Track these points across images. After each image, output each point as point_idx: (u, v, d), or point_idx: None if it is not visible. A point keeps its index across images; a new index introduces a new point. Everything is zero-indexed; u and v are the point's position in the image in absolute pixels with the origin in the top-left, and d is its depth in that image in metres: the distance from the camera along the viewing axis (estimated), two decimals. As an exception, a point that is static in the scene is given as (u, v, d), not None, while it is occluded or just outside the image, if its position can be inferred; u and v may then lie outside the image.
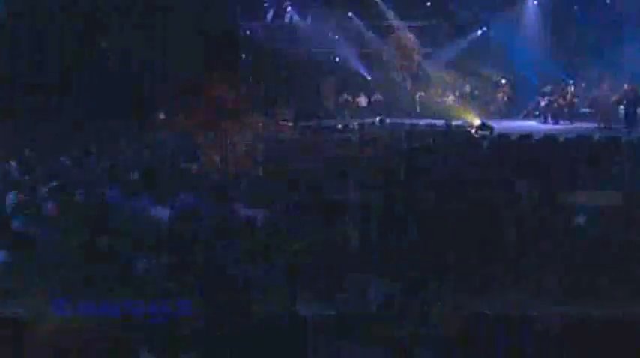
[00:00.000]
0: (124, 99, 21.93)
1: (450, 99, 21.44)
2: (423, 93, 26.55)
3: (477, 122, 17.25)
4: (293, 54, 25.15)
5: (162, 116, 24.88)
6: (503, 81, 25.23)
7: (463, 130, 16.35)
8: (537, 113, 22.93)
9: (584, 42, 22.18)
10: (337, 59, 27.88)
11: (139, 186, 7.80)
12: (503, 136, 13.99)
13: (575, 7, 22.80)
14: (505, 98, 23.70)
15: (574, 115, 19.48)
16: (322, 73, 26.53)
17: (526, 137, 12.74)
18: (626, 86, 18.08)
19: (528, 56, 23.75)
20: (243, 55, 25.77)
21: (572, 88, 19.24)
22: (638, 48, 20.05)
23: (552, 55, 22.90)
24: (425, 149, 11.04)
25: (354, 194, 6.68)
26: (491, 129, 15.39)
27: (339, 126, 20.93)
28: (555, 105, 19.50)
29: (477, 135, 15.31)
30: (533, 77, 23.91)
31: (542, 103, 20.14)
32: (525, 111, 23.10)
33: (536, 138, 12.88)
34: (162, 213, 6.31)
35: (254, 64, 25.87)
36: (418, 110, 26.14)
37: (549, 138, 12.85)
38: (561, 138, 12.68)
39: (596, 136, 13.51)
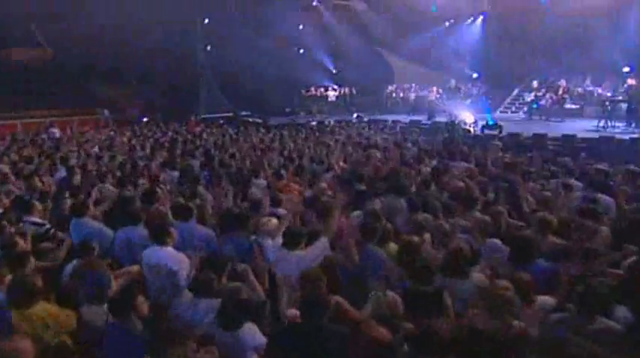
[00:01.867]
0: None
1: (434, 93, 19.98)
2: (392, 87, 25.16)
3: (469, 119, 15.86)
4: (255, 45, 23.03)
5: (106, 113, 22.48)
6: (475, 75, 24.28)
7: (461, 128, 14.82)
8: (514, 108, 22.05)
9: (558, 36, 21.42)
10: (301, 50, 26.04)
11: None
12: (516, 136, 12.60)
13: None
14: (480, 92, 22.58)
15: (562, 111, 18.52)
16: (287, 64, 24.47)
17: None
18: (630, 81, 17.23)
19: (498, 51, 22.85)
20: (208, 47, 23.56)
21: (564, 83, 18.23)
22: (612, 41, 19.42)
23: (523, 51, 22.07)
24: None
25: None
26: (500, 128, 13.95)
27: (313, 122, 19.13)
28: (545, 100, 18.44)
29: (482, 134, 13.86)
30: (504, 72, 23.00)
31: (529, 98, 19.05)
32: (502, 106, 22.11)
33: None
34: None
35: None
36: (388, 105, 24.78)
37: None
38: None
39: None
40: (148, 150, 12.27)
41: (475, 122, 15.70)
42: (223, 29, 22.47)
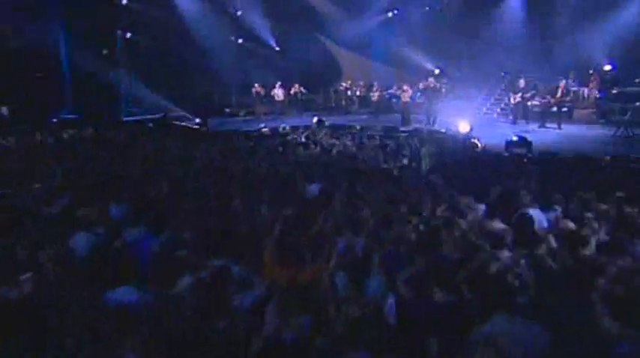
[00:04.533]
0: None
1: (407, 93, 16.91)
2: (346, 84, 22.10)
3: (464, 127, 12.95)
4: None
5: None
6: (437, 71, 21.73)
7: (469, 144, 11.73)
8: (485, 109, 19.65)
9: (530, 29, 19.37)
10: (240, 40, 22.34)
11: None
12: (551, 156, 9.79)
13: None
14: (443, 90, 19.43)
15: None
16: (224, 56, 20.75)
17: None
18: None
19: (462, 44, 20.52)
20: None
21: (564, 83, 15.86)
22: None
23: (490, 44, 19.91)
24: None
25: None
26: (529, 145, 10.94)
27: (265, 129, 15.68)
28: (530, 103, 15.97)
29: (506, 154, 10.88)
30: (472, 68, 20.67)
31: (514, 100, 16.56)
32: (474, 107, 19.57)
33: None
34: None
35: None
36: (343, 105, 21.78)
37: None
38: None
39: None
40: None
41: (471, 131, 12.85)
42: (147, 12, 18.39)
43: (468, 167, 9.18)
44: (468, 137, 12.27)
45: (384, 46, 22.79)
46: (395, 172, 9.11)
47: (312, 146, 11.67)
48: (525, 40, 19.00)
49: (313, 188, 7.49)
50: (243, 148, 11.66)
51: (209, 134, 14.80)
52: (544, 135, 13.76)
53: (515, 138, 10.85)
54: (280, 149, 11.42)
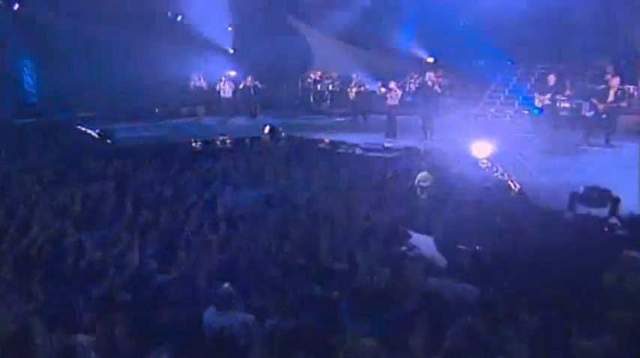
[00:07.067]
0: None
1: (395, 93, 12.19)
2: (315, 75, 17.87)
3: (482, 150, 8.19)
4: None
5: None
6: (431, 59, 17.42)
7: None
8: (493, 110, 15.25)
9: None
10: (179, 17, 17.54)
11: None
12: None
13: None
14: (436, 87, 14.38)
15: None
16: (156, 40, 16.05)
17: None
18: None
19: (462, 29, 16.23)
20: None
21: (617, 81, 11.17)
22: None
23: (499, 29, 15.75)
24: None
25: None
26: (613, 203, 6.03)
27: (196, 143, 11.08)
28: (559, 105, 11.53)
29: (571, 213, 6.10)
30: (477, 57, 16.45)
31: (540, 103, 12.08)
32: (478, 107, 15.18)
33: None
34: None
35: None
36: (311, 102, 17.44)
37: None
38: None
39: None
40: None
41: (491, 156, 8.33)
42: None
43: (517, 260, 4.77)
44: (495, 173, 7.68)
45: (367, 28, 18.24)
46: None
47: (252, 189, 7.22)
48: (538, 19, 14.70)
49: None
50: (146, 196, 7.12)
51: (108, 152, 10.07)
52: (600, 164, 9.10)
53: (596, 193, 6.04)
54: (203, 200, 6.83)
